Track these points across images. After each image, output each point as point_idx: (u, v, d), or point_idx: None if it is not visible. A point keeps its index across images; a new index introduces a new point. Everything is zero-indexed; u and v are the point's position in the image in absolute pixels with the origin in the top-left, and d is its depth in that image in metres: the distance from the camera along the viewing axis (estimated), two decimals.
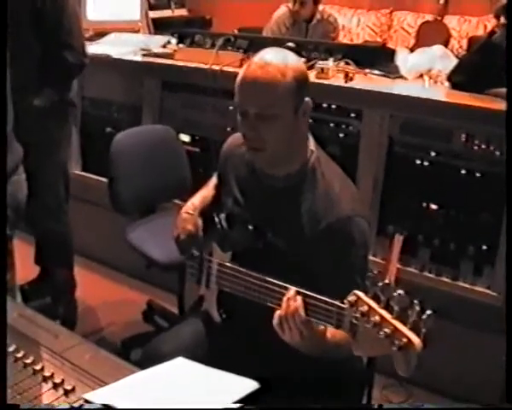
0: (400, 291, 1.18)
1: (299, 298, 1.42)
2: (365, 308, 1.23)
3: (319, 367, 1.59)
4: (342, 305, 1.31)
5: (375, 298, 1.23)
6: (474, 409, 2.49)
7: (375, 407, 2.38)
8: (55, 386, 1.30)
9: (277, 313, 1.46)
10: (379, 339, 1.18)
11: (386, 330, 1.18)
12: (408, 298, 1.18)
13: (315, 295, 1.40)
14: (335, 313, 1.34)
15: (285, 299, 1.45)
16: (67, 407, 1.25)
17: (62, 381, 1.31)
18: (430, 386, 2.61)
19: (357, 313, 1.25)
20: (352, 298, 1.27)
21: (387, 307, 1.20)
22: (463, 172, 2.65)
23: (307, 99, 1.65)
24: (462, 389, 2.62)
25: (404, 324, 1.17)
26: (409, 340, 1.15)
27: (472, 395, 2.56)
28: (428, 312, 1.15)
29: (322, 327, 1.46)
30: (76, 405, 1.25)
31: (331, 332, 1.49)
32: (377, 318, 1.20)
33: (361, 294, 1.26)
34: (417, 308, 1.16)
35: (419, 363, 1.15)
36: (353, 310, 1.27)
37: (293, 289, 1.45)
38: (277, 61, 1.61)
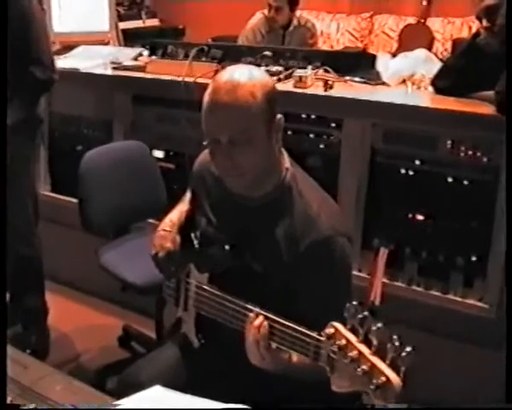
0: (379, 324, 1.16)
1: (265, 324, 1.42)
2: (343, 342, 1.21)
3: (307, 386, 1.54)
4: (320, 337, 1.29)
5: (354, 330, 1.20)
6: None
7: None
8: None
9: (248, 337, 1.46)
10: (356, 375, 1.15)
11: (364, 367, 1.15)
12: (387, 332, 1.15)
13: (293, 325, 1.38)
14: (313, 346, 1.31)
15: (253, 324, 1.44)
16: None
17: None
18: (423, 401, 2.53)
19: (335, 346, 1.22)
20: (329, 330, 1.25)
21: (366, 341, 1.18)
22: (450, 180, 2.59)
23: (279, 116, 1.61)
24: (456, 403, 2.52)
25: (383, 360, 1.13)
26: (387, 379, 1.11)
27: None
28: (408, 349, 1.11)
29: (286, 354, 1.45)
30: None
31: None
32: (355, 353, 1.18)
33: (339, 326, 1.23)
34: (396, 343, 1.12)
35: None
36: (331, 343, 1.24)
37: (260, 316, 1.45)
38: (244, 81, 1.54)
